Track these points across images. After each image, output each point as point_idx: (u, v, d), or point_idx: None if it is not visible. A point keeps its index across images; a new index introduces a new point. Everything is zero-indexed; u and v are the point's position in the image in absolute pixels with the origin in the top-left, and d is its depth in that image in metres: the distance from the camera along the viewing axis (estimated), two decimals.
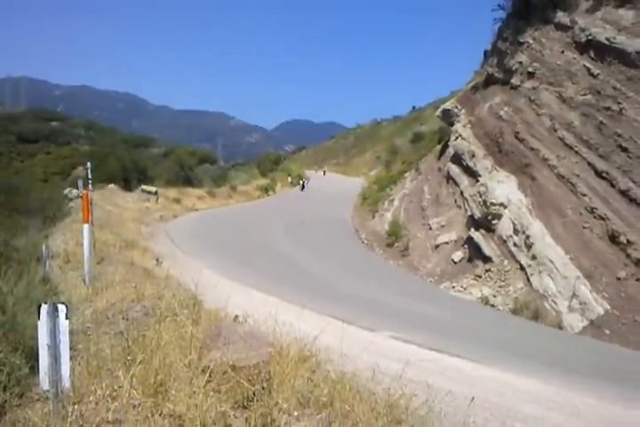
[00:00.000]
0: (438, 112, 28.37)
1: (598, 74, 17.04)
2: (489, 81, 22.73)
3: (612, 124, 16.20)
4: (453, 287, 17.01)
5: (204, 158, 53.08)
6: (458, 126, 23.26)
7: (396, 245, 23.00)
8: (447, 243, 20.44)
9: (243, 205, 37.77)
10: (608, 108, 16.42)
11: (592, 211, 15.78)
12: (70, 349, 3.61)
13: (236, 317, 5.91)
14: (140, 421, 3.48)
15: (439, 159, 26.01)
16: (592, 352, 12.31)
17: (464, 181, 21.64)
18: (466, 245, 19.26)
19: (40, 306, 3.42)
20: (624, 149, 15.64)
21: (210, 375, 3.95)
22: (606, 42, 16.94)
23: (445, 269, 19.06)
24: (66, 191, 25.41)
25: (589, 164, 16.47)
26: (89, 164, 10.93)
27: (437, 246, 20.70)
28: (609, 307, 13.82)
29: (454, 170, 22.73)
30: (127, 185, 34.98)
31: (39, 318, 3.41)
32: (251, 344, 4.34)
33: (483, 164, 20.25)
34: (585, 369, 9.87)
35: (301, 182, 49.18)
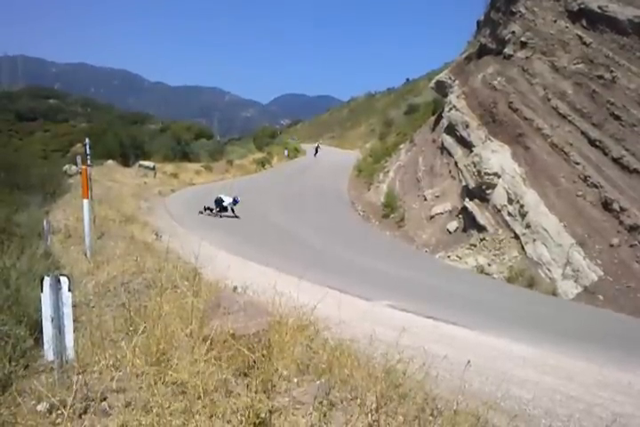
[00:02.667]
0: (432, 83, 28.10)
1: (591, 42, 16.91)
2: (482, 51, 22.49)
3: (604, 92, 16.15)
4: (449, 257, 17.15)
5: (200, 133, 52.63)
6: (452, 97, 23.09)
7: (392, 216, 23.08)
8: (442, 213, 20.52)
9: (240, 178, 37.66)
10: (601, 77, 16.35)
11: (585, 179, 15.85)
12: (74, 320, 3.68)
13: (236, 287, 5.99)
14: (144, 389, 3.57)
15: (433, 130, 25.89)
16: (585, 318, 12.52)
17: (458, 151, 21.60)
18: (460, 215, 19.36)
19: (43, 279, 3.47)
20: (617, 118, 15.64)
21: (211, 344, 4.03)
22: (598, 10, 16.80)
23: (441, 238, 19.18)
24: (65, 168, 25.43)
25: (583, 132, 16.48)
26: (87, 140, 10.90)
27: (432, 217, 20.78)
28: (602, 273, 14.00)
29: (448, 141, 22.66)
30: (125, 161, 34.96)
31: (42, 290, 3.47)
32: (250, 314, 4.42)
33: (477, 134, 20.19)
34: (579, 334, 10.06)
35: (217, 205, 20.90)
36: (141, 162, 33.55)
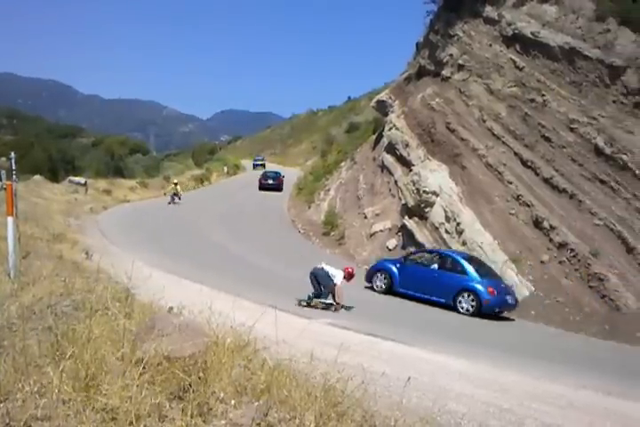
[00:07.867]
0: (373, 103, 28.69)
1: (524, 67, 17.70)
2: (421, 72, 23.13)
3: (536, 115, 16.91)
4: None
5: (135, 148, 51.86)
6: (392, 117, 23.59)
7: (332, 234, 23.20)
8: (382, 231, 20.79)
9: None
10: (533, 100, 17.11)
11: (518, 198, 16.47)
12: None
13: (171, 308, 5.82)
14: (71, 416, 3.38)
15: (374, 149, 26.33)
16: (518, 332, 12.93)
17: (398, 170, 22.01)
18: (400, 233, 19.67)
19: None
20: (547, 139, 16.38)
21: (144, 368, 3.87)
22: (531, 36, 17.61)
23: (380, 256, 19.35)
24: None
25: (515, 153, 17.16)
26: (13, 154, 10.42)
27: (372, 235, 21.02)
28: (534, 289, 14.54)
29: (388, 159, 23.07)
30: (54, 176, 33.83)
31: None
32: (186, 335, 4.29)
33: (416, 153, 20.65)
34: (510, 348, 10.38)
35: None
36: (71, 177, 32.52)
